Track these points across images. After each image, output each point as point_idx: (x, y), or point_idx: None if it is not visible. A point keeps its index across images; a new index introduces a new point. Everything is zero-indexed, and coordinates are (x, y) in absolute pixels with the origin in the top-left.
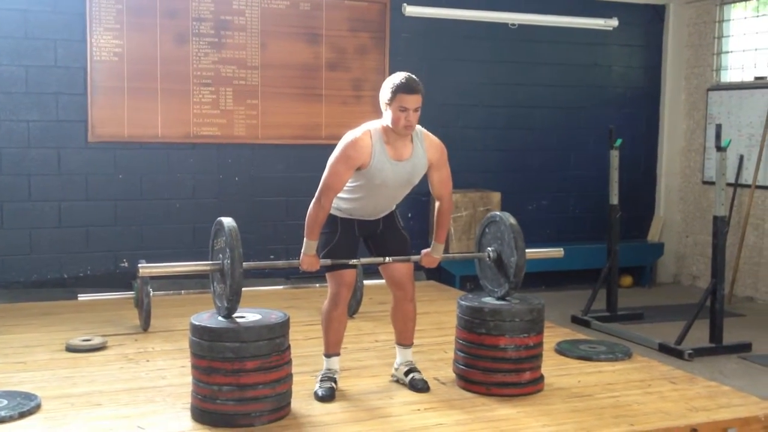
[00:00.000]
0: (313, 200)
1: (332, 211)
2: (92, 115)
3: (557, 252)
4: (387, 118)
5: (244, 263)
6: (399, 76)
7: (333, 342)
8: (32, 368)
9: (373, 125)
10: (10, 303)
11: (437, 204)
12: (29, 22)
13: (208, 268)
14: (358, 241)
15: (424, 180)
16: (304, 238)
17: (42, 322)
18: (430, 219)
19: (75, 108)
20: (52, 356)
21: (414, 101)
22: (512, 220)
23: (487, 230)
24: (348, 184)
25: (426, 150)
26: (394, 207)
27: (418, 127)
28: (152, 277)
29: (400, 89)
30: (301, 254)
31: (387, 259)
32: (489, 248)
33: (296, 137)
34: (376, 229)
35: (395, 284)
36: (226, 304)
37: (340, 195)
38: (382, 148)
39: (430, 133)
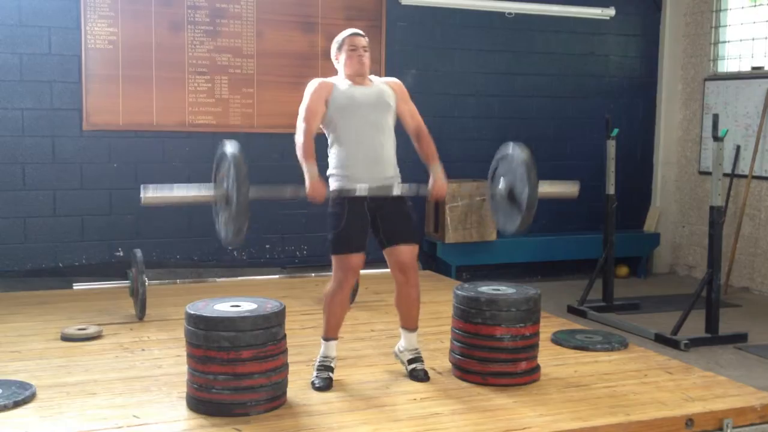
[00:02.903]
0: (296, 133)
1: (335, 184)
2: (87, 103)
3: (572, 189)
4: (341, 65)
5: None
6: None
7: (333, 325)
8: (27, 357)
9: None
10: (5, 292)
11: (416, 138)
12: (23, 10)
13: (212, 193)
14: (368, 221)
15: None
16: (303, 167)
17: (37, 311)
18: (425, 208)
19: (69, 96)
20: (47, 345)
21: (361, 41)
22: (526, 153)
23: (500, 164)
24: (329, 134)
25: (384, 83)
26: (391, 164)
27: (374, 76)
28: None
29: (345, 35)
30: (306, 183)
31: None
32: (501, 183)
33: (292, 126)
34: (384, 206)
35: (399, 268)
36: (233, 227)
37: (330, 156)
38: (344, 82)
39: None
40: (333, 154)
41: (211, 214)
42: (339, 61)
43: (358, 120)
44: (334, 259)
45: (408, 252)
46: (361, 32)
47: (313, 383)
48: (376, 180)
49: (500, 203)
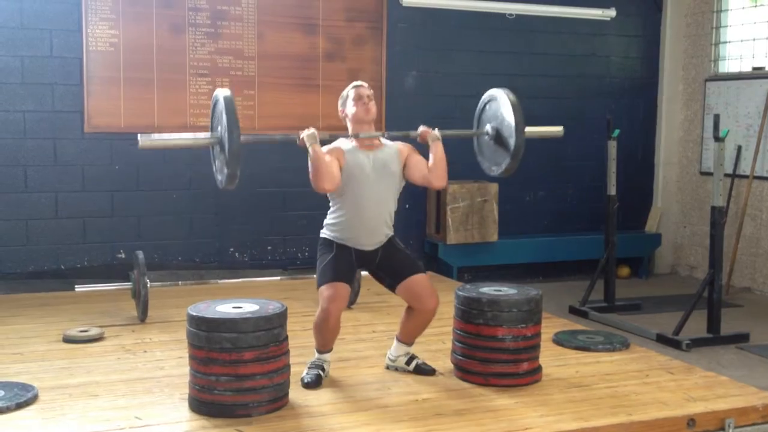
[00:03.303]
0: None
1: (327, 236)
2: (88, 106)
3: (557, 129)
4: (349, 117)
5: (242, 135)
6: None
7: (325, 343)
8: (29, 359)
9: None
10: (7, 294)
11: (431, 184)
12: (24, 12)
13: (206, 139)
14: (355, 267)
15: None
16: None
17: (39, 313)
18: (427, 209)
19: (71, 98)
20: (49, 347)
21: (365, 91)
22: (512, 96)
23: (486, 107)
24: (333, 197)
25: (393, 146)
26: (386, 231)
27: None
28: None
29: (351, 88)
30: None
31: (386, 133)
32: (488, 125)
33: (293, 128)
34: (375, 259)
35: (415, 298)
36: (226, 171)
37: (329, 217)
38: (353, 146)
39: None
40: (333, 216)
41: (212, 216)
42: (345, 114)
43: (363, 191)
44: (319, 290)
45: (420, 281)
46: (364, 84)
47: (302, 379)
48: (370, 245)
49: (487, 146)
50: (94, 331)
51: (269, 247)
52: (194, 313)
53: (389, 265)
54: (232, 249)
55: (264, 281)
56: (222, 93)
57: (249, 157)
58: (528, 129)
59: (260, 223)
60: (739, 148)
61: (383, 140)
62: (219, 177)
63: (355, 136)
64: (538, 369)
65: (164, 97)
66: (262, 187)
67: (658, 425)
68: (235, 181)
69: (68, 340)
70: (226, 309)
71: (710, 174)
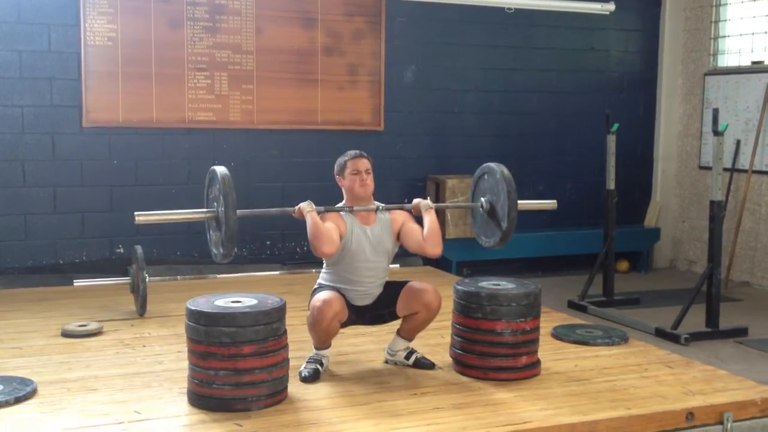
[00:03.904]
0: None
1: (323, 284)
2: (86, 100)
3: (550, 204)
4: (345, 188)
5: (238, 210)
6: (346, 153)
7: (321, 341)
8: (28, 353)
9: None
10: (6, 289)
11: (425, 252)
12: (22, 7)
13: (203, 215)
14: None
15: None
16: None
17: (38, 308)
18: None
19: (69, 93)
20: (48, 342)
21: (364, 164)
22: (506, 171)
23: (480, 181)
24: (328, 264)
25: (387, 219)
26: (380, 288)
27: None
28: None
29: (347, 158)
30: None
31: (380, 206)
32: (482, 198)
33: (292, 122)
34: (366, 312)
35: (415, 297)
36: (221, 251)
37: (324, 275)
38: (351, 217)
39: None
40: (327, 276)
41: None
42: (342, 184)
43: (358, 264)
44: (313, 302)
45: (414, 283)
46: (363, 154)
47: (300, 373)
48: (363, 303)
49: (480, 217)
50: (92, 326)
51: (268, 242)
52: (193, 308)
53: (385, 297)
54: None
55: (263, 276)
56: (220, 171)
57: (248, 150)
58: (521, 204)
59: (259, 217)
60: (738, 143)
61: (379, 212)
62: (214, 251)
63: (350, 209)
64: (537, 363)
65: (162, 92)
66: (260, 182)
67: (656, 419)
68: (230, 258)
69: (67, 334)
70: (224, 303)
71: (709, 168)
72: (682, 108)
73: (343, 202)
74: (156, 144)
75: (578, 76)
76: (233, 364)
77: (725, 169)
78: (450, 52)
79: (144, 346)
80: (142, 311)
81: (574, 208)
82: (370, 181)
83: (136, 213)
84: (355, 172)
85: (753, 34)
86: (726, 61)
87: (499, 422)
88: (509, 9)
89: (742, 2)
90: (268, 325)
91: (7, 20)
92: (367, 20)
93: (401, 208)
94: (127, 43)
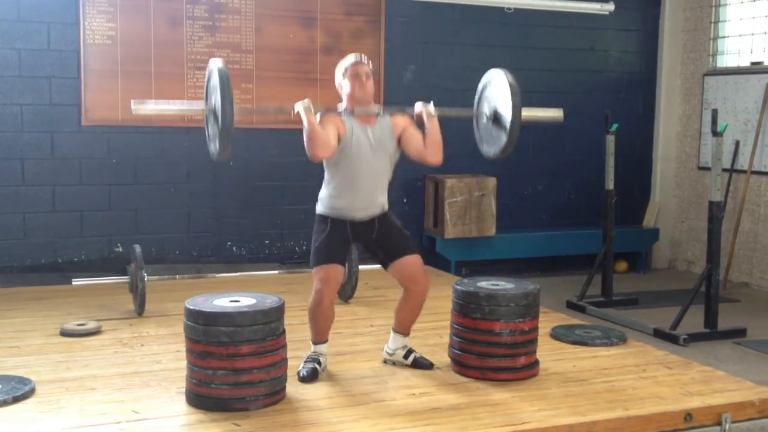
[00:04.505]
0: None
1: (322, 211)
2: (85, 99)
3: (556, 113)
4: (344, 93)
5: (236, 106)
6: (346, 57)
7: (320, 331)
8: (26, 353)
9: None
10: (4, 287)
11: (425, 160)
12: (22, 5)
13: (200, 108)
14: (349, 243)
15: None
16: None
17: (36, 307)
18: (425, 203)
19: (68, 91)
20: (46, 341)
21: (364, 69)
22: (510, 78)
23: (485, 88)
24: (328, 169)
25: (388, 121)
26: (381, 201)
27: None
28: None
29: (348, 63)
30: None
31: (381, 109)
32: (485, 105)
33: (291, 122)
34: (371, 233)
35: (409, 278)
36: (217, 146)
37: (324, 190)
38: (351, 119)
39: None
40: (328, 187)
41: (210, 210)
42: (342, 88)
43: (359, 164)
44: (313, 271)
45: (414, 262)
46: (363, 59)
47: (298, 373)
48: (365, 215)
49: (485, 128)
50: (91, 325)
51: (267, 241)
52: (192, 307)
53: (386, 241)
54: (229, 243)
55: (261, 275)
56: (216, 65)
57: (247, 149)
58: (525, 111)
59: (258, 217)
60: (737, 143)
61: (379, 116)
62: (211, 146)
63: (351, 113)
64: (536, 363)
65: (162, 90)
66: (259, 180)
67: (655, 420)
68: (228, 153)
69: (65, 333)
70: (223, 303)
71: (708, 169)
72: (682, 108)
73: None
74: (155, 143)
75: (578, 76)
76: (231, 364)
77: (724, 170)
78: (449, 51)
79: (142, 345)
80: (140, 310)
81: (572, 208)
82: (370, 85)
83: (133, 101)
84: (355, 76)
85: (752, 34)
86: (725, 61)
87: (498, 423)
88: (509, 9)
89: (742, 3)
90: (267, 325)
91: (7, 18)
92: (366, 20)
93: (403, 111)
94: (127, 41)
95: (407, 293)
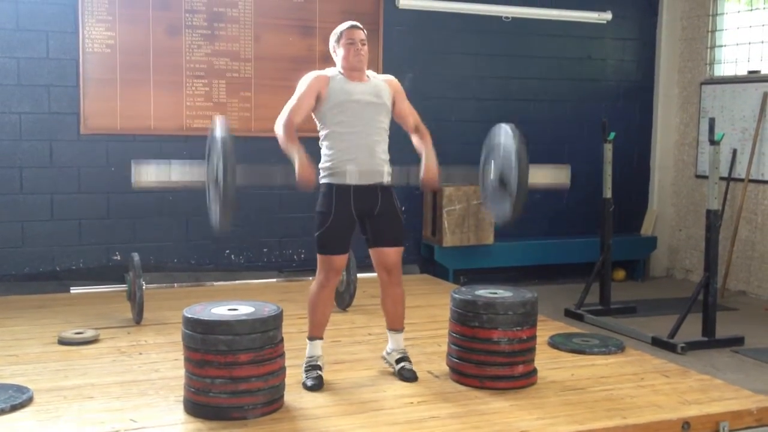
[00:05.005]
0: (278, 121)
1: (326, 180)
2: (84, 107)
3: (563, 170)
4: (339, 58)
5: (239, 172)
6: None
7: (317, 324)
8: (24, 361)
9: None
10: (2, 296)
11: (415, 134)
12: (20, 14)
13: (203, 177)
14: (354, 223)
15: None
16: (289, 154)
17: (34, 315)
18: (423, 212)
19: (67, 100)
20: (44, 349)
21: (359, 34)
22: (517, 138)
23: (491, 148)
24: (322, 128)
25: (382, 80)
26: (382, 159)
27: (371, 71)
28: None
29: (344, 28)
30: (296, 168)
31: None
32: (492, 166)
33: None
34: (374, 207)
35: (384, 268)
36: (218, 219)
37: (324, 155)
38: (341, 77)
39: None
40: (325, 148)
41: (208, 218)
42: (336, 54)
43: (352, 117)
44: (318, 258)
45: (393, 254)
46: (359, 25)
47: (304, 384)
48: (367, 173)
49: (491, 188)
50: (89, 333)
51: (265, 249)
52: (190, 315)
53: (381, 222)
54: (228, 251)
55: (260, 283)
56: (219, 130)
57: (245, 157)
58: (532, 168)
59: (256, 225)
60: (735, 152)
61: (370, 74)
62: (213, 215)
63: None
64: (534, 372)
65: (160, 99)
66: (257, 189)
67: (652, 428)
68: (228, 224)
69: (63, 342)
70: (221, 311)
71: (706, 177)
72: (679, 117)
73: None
74: (154, 151)
75: (575, 84)
76: (230, 372)
77: (722, 178)
78: (447, 60)
79: (140, 353)
80: (138, 319)
81: (570, 216)
82: (364, 51)
83: (133, 161)
84: (350, 42)
85: (749, 43)
86: (722, 70)
87: (495, 431)
88: (506, 18)
89: (739, 12)
90: (265, 333)
91: (6, 27)
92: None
93: (407, 177)
94: (126, 50)
95: (382, 285)
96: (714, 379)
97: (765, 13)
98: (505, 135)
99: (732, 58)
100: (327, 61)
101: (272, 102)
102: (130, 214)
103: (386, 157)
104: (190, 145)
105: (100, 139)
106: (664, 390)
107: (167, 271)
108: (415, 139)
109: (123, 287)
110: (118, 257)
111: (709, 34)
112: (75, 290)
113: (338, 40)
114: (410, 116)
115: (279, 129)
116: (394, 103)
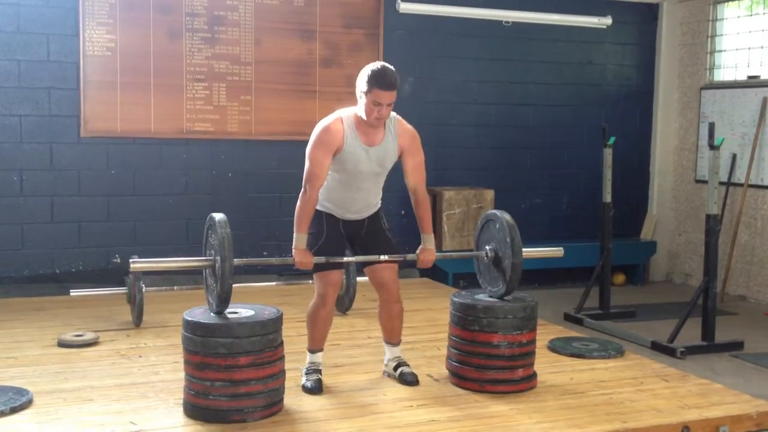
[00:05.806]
0: (301, 193)
1: (317, 207)
2: (84, 110)
3: (556, 251)
4: (360, 106)
5: (236, 260)
6: (377, 67)
7: (318, 338)
8: (24, 363)
9: (345, 112)
10: (2, 298)
11: (413, 198)
12: (21, 17)
13: (200, 264)
14: (344, 240)
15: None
16: (294, 233)
17: (34, 318)
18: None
19: (67, 103)
20: (44, 351)
21: (388, 97)
22: (509, 218)
23: (484, 229)
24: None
25: (397, 136)
26: (375, 203)
27: (393, 113)
28: (144, 273)
29: (376, 84)
30: (293, 249)
31: (382, 257)
32: (486, 247)
33: (289, 133)
34: (361, 230)
35: (381, 286)
36: (215, 306)
37: (322, 189)
38: (354, 134)
39: (404, 121)
40: (324, 190)
41: (207, 220)
42: (359, 99)
43: (355, 180)
44: (315, 276)
45: (384, 270)
46: (393, 82)
47: (304, 386)
48: (358, 213)
49: (485, 266)
50: (89, 336)
51: (265, 253)
52: (190, 318)
53: (370, 242)
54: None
55: (260, 287)
56: (219, 222)
57: (245, 161)
58: (526, 252)
59: (256, 228)
60: (734, 157)
61: (388, 124)
62: (210, 299)
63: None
64: (533, 376)
65: (161, 102)
66: (257, 192)
67: None
68: (224, 309)
69: (63, 344)
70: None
71: (705, 182)
72: (679, 122)
73: (353, 110)
74: (154, 154)
75: (575, 89)
76: (229, 375)
77: (721, 183)
78: (448, 64)
79: (140, 356)
80: (138, 321)
81: (570, 220)
82: (387, 113)
83: (131, 260)
84: (377, 104)
85: (749, 48)
86: (722, 75)
87: None
88: (507, 22)
89: (739, 17)
90: (265, 336)
91: (6, 30)
92: (365, 32)
93: (403, 258)
94: (126, 53)
95: (380, 301)
96: (713, 384)
97: (765, 19)
98: (499, 220)
99: (732, 64)
100: (326, 65)
101: (272, 105)
102: (130, 217)
103: (379, 197)
104: (190, 148)
105: (100, 142)
106: (664, 394)
107: (167, 273)
108: (414, 206)
109: (123, 290)
110: (118, 260)
111: (709, 39)
112: (75, 293)
113: (366, 92)
114: (411, 176)
115: (301, 203)
116: (400, 155)
